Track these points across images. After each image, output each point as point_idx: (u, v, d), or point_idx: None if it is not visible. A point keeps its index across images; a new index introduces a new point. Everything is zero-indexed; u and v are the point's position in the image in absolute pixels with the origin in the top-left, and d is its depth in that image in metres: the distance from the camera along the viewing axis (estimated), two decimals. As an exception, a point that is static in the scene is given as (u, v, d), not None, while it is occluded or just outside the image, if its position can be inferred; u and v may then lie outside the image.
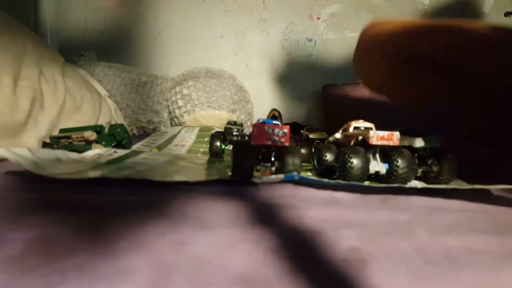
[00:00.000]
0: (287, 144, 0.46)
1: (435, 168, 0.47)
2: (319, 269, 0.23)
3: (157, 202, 0.35)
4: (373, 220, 0.32)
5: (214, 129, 0.99)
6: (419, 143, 0.46)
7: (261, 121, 0.49)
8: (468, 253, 0.27)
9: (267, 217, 0.32)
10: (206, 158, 0.67)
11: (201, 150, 0.80)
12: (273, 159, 0.48)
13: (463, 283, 0.22)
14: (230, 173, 0.46)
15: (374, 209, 0.35)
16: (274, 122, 0.49)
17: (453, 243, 0.28)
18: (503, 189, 0.45)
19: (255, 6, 1.59)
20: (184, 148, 0.80)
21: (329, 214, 0.33)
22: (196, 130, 1.01)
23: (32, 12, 1.42)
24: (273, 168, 0.47)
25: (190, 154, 0.71)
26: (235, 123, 0.69)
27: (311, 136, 0.65)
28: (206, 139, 0.91)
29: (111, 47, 1.51)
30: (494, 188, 0.44)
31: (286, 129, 0.46)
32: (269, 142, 0.46)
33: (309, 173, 0.48)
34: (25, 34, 0.86)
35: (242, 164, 0.44)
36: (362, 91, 1.54)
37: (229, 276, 0.22)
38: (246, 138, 0.68)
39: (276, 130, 0.45)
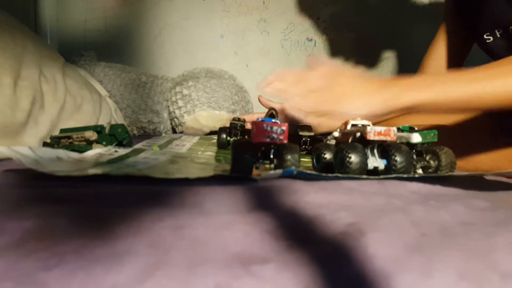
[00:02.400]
0: (285, 141, 0.47)
1: (433, 163, 0.47)
2: (317, 244, 0.24)
3: (156, 193, 0.35)
4: (369, 203, 0.33)
5: (214, 138, 0.99)
6: (416, 138, 0.47)
7: (260, 119, 0.49)
8: (463, 225, 0.27)
9: (264, 203, 0.33)
10: (207, 157, 0.67)
11: (202, 149, 0.80)
12: (272, 156, 0.48)
13: (458, 251, 0.23)
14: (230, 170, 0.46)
15: (371, 194, 0.36)
16: (274, 120, 0.50)
17: (448, 218, 0.29)
18: (497, 175, 0.46)
19: (255, 6, 1.59)
20: (184, 148, 0.80)
21: (325, 199, 0.34)
22: (196, 138, 1.01)
23: (32, 12, 1.42)
24: (272, 165, 0.48)
25: (191, 153, 0.71)
26: (239, 120, 0.81)
27: (301, 133, 0.73)
28: (207, 142, 0.91)
29: (111, 47, 1.51)
30: (489, 174, 0.45)
31: (284, 127, 0.46)
32: (268, 140, 0.46)
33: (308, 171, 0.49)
34: (25, 34, 0.86)
35: (241, 160, 0.44)
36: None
37: (227, 254, 0.22)
38: (246, 137, 0.76)
39: (275, 128, 0.46)
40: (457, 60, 0.87)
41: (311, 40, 1.63)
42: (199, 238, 0.24)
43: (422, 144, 0.48)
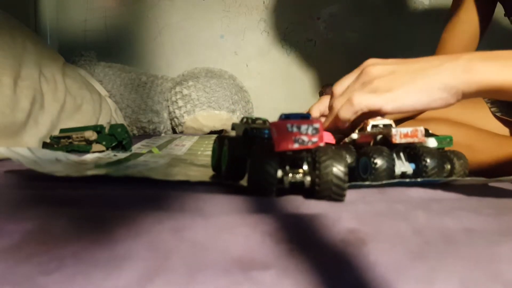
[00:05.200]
0: (321, 144, 0.35)
1: (447, 167, 0.46)
2: (318, 249, 0.24)
3: (156, 196, 0.35)
4: (371, 208, 0.32)
5: (213, 137, 0.99)
6: (432, 143, 0.45)
7: (283, 116, 0.36)
8: (466, 232, 0.27)
9: (266, 205, 0.32)
10: (207, 158, 0.67)
11: (202, 148, 0.80)
12: (305, 167, 0.35)
13: (460, 259, 0.22)
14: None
15: (372, 202, 0.35)
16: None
17: (451, 225, 0.28)
18: (501, 181, 0.45)
19: (255, 6, 1.59)
20: (184, 148, 0.80)
21: (327, 204, 0.33)
22: (196, 137, 1.01)
23: (32, 12, 1.42)
24: (308, 179, 0.35)
25: (190, 155, 0.71)
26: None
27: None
28: (206, 141, 0.91)
29: (111, 47, 1.51)
30: (492, 180, 0.44)
31: (318, 124, 0.34)
32: (296, 146, 0.34)
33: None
34: (25, 34, 0.86)
35: (261, 177, 0.34)
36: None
37: (227, 259, 0.22)
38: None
39: (304, 127, 0.34)
40: (477, 35, 0.83)
41: (311, 40, 1.63)
42: (199, 241, 0.24)
43: (437, 148, 0.46)
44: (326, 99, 0.61)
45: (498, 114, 0.78)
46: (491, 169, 0.64)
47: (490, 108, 0.79)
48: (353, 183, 0.41)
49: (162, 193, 0.36)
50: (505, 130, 0.77)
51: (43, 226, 0.25)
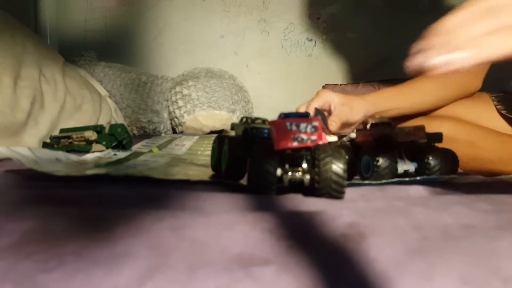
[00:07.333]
0: (321, 142, 0.35)
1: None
2: (318, 245, 0.24)
3: (156, 195, 0.35)
4: (371, 205, 0.32)
5: (213, 137, 0.99)
6: (421, 139, 0.45)
7: (283, 116, 0.36)
8: (465, 228, 0.27)
9: (265, 203, 0.32)
10: (207, 157, 0.67)
11: (202, 148, 0.80)
12: (304, 165, 0.35)
13: (459, 254, 0.22)
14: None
15: (372, 199, 0.35)
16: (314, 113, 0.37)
17: (450, 221, 0.28)
18: (500, 180, 0.45)
19: (255, 6, 1.59)
20: (184, 148, 0.80)
21: (326, 202, 0.33)
22: (196, 137, 1.01)
23: (32, 12, 1.42)
24: (307, 177, 0.35)
25: (190, 155, 0.71)
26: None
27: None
28: (206, 141, 0.91)
29: (111, 47, 1.51)
30: (494, 179, 0.44)
31: (317, 122, 0.34)
32: (295, 144, 0.34)
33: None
34: (25, 34, 0.86)
35: (261, 175, 0.34)
36: (362, 91, 1.54)
37: (227, 256, 0.22)
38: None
39: (303, 125, 0.34)
40: None
41: (311, 40, 1.63)
42: (199, 239, 0.24)
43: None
44: (325, 94, 0.68)
45: (503, 112, 0.77)
46: (493, 167, 0.64)
47: (496, 105, 0.79)
48: (353, 181, 0.41)
49: (162, 192, 0.36)
50: (509, 129, 0.76)
51: (43, 225, 0.25)
